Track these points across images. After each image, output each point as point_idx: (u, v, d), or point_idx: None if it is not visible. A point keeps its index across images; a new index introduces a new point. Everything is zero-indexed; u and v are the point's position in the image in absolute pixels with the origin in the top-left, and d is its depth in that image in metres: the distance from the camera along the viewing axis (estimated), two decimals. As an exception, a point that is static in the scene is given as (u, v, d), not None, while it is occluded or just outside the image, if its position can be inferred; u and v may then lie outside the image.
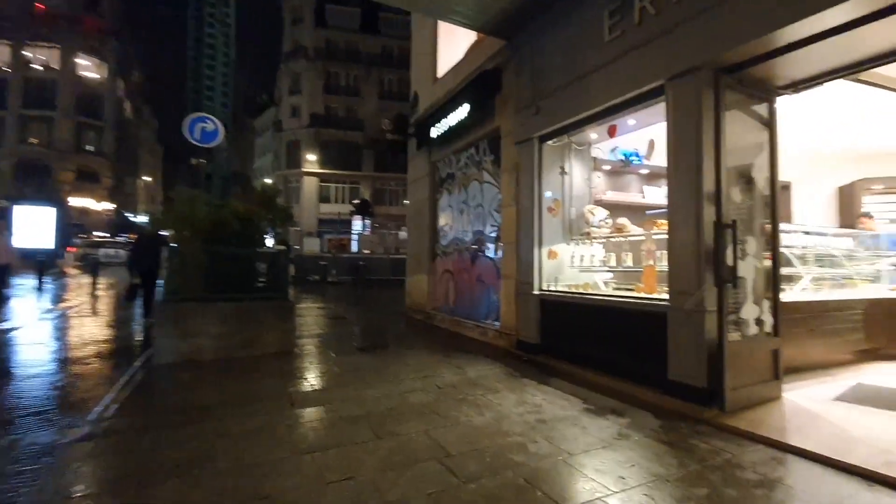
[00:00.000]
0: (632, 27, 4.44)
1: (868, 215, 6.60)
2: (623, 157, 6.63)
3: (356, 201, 32.65)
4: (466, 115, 7.24)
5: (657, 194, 7.12)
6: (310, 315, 9.98)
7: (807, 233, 5.53)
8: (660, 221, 4.46)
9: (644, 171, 7.03)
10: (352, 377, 4.96)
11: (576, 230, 5.96)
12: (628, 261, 4.99)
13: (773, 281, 4.07)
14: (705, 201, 3.79)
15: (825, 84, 3.98)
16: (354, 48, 38.19)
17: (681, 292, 3.93)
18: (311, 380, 4.88)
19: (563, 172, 5.85)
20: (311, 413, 3.84)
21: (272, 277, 6.45)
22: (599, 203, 6.17)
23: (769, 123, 4.08)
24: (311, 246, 30.23)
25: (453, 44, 8.59)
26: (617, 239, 5.08)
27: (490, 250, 7.42)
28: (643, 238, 4.63)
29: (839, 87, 4.21)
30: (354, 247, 29.77)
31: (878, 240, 6.13)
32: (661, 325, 4.10)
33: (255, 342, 5.83)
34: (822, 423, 3.49)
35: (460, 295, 8.31)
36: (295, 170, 37.25)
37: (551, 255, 5.75)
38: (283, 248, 6.76)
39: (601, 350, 4.84)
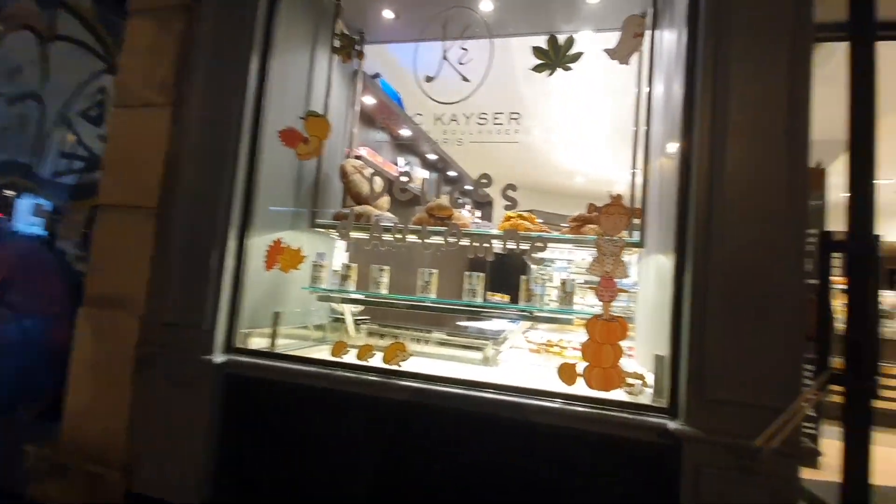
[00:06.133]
0: None
1: None
2: (386, 94, 3.75)
3: None
4: None
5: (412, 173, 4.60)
6: None
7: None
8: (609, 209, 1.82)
9: (405, 132, 4.37)
10: None
11: (321, 205, 2.61)
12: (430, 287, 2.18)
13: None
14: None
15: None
16: None
17: (724, 402, 1.55)
18: None
19: (350, 51, 2.35)
20: None
21: None
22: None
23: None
24: None
25: None
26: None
27: (41, 221, 2.74)
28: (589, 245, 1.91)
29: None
30: None
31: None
32: (658, 479, 1.60)
33: None
34: None
35: None
36: None
37: (279, 257, 2.16)
38: None
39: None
